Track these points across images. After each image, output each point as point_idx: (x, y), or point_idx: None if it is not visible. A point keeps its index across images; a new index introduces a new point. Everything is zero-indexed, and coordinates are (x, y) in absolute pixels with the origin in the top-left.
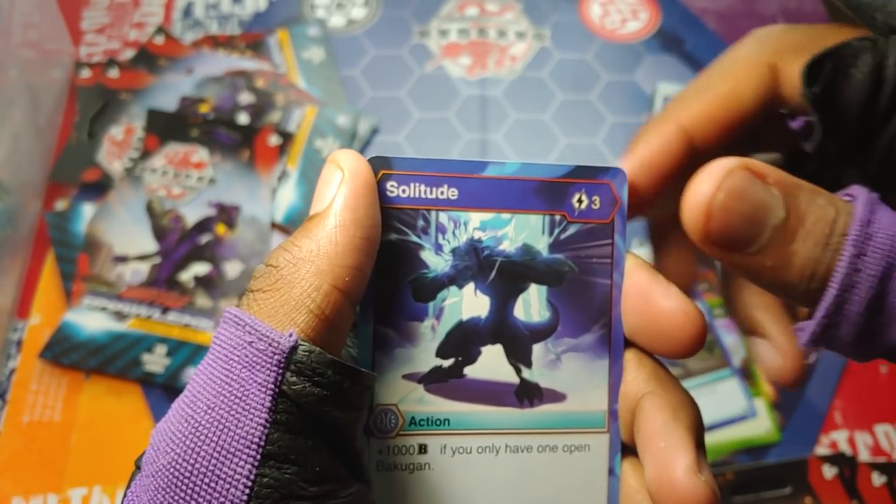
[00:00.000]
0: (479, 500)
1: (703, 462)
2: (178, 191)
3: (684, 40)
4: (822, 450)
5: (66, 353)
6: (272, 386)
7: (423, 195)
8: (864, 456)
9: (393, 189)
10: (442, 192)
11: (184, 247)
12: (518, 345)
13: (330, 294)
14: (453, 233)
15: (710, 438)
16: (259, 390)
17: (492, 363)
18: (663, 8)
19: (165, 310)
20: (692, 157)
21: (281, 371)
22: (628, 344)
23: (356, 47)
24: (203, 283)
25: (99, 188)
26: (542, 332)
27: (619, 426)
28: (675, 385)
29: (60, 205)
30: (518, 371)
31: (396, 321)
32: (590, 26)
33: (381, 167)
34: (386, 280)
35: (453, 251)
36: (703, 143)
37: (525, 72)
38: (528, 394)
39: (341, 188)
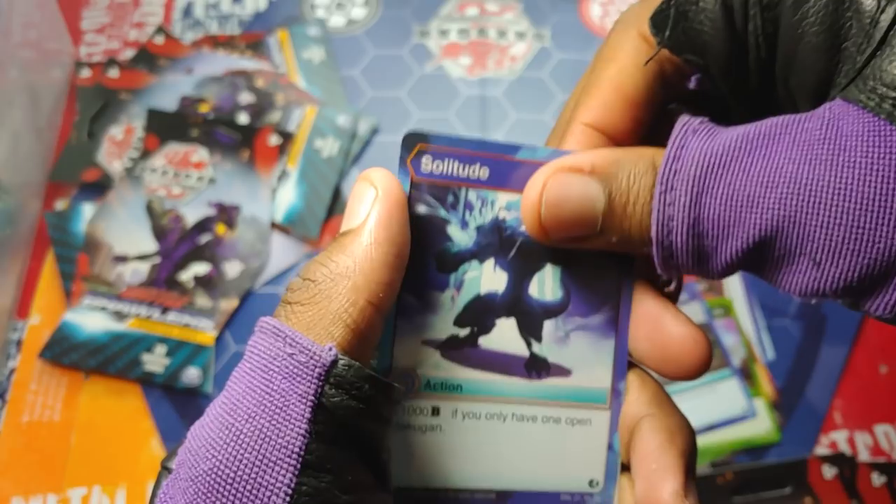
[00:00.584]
0: (484, 463)
1: (690, 488)
2: (178, 191)
3: None
4: (822, 450)
5: (65, 352)
6: (312, 398)
7: (455, 173)
8: (864, 456)
9: (427, 164)
10: (474, 171)
11: (184, 247)
12: (530, 320)
13: (365, 309)
14: (480, 210)
15: (710, 438)
16: (299, 401)
17: (505, 335)
18: None
19: (165, 310)
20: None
21: (321, 383)
22: (632, 366)
23: (356, 47)
24: (203, 282)
25: (99, 188)
26: (553, 310)
27: (620, 404)
28: (674, 410)
29: (60, 205)
30: (529, 345)
31: (419, 289)
32: (590, 26)
33: (419, 141)
34: (412, 250)
35: (478, 228)
36: (616, 131)
37: (525, 72)
38: (536, 367)
39: (375, 206)
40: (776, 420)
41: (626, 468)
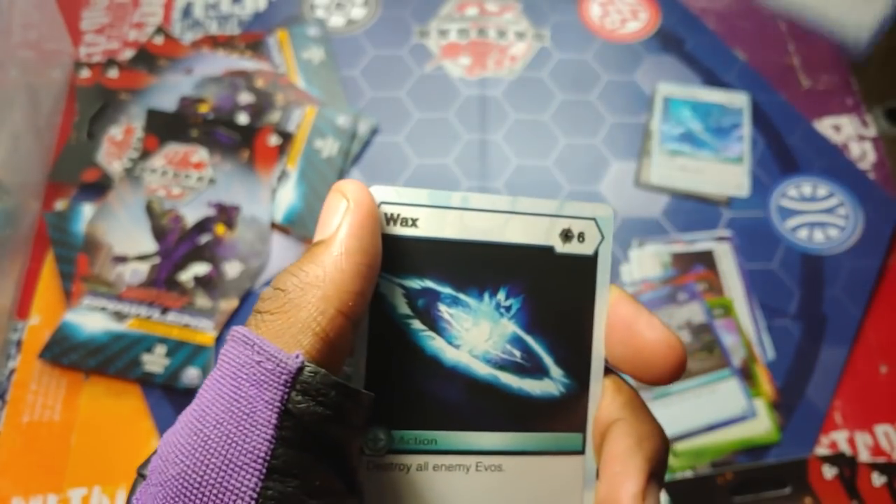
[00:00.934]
0: None
1: (651, 491)
2: (178, 191)
3: (684, 40)
4: (822, 450)
5: (65, 353)
6: (278, 404)
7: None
8: (864, 456)
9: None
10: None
11: (183, 247)
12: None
13: (335, 318)
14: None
15: (711, 438)
16: (266, 407)
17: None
18: (663, 8)
19: (165, 310)
20: None
21: (287, 390)
22: (608, 372)
23: (356, 47)
24: (202, 283)
25: (98, 188)
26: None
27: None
28: (647, 416)
29: (60, 205)
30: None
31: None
32: (590, 26)
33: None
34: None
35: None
36: None
37: (525, 72)
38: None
39: (346, 217)
40: (776, 420)
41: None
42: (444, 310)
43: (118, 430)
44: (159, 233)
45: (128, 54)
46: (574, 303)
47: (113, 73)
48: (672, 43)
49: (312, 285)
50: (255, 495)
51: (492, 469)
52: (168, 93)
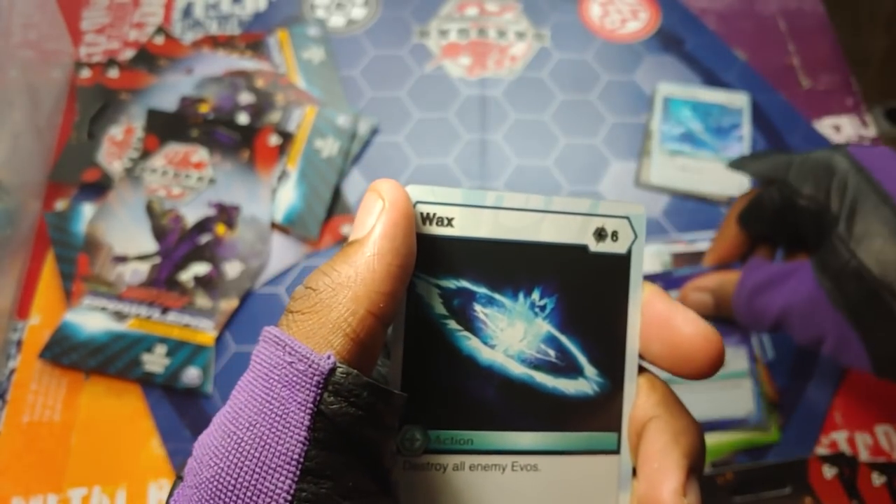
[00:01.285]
0: None
1: (691, 487)
2: (178, 191)
3: (684, 40)
4: (822, 450)
5: (65, 353)
6: (311, 405)
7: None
8: (864, 456)
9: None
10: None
11: (184, 247)
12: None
13: (365, 319)
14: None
15: (711, 438)
16: (299, 409)
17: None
18: (663, 8)
19: (165, 310)
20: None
21: (319, 391)
22: (642, 370)
23: (356, 47)
24: (203, 283)
25: (99, 188)
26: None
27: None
28: (682, 411)
29: (60, 205)
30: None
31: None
32: (590, 26)
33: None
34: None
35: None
36: (729, 260)
37: (525, 72)
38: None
39: (381, 217)
40: (776, 420)
41: (636, 472)
42: (479, 310)
43: (118, 430)
44: (159, 233)
45: (128, 54)
46: (607, 302)
47: (113, 73)
48: (672, 43)
49: (344, 286)
50: (289, 497)
51: (527, 469)
52: (168, 93)
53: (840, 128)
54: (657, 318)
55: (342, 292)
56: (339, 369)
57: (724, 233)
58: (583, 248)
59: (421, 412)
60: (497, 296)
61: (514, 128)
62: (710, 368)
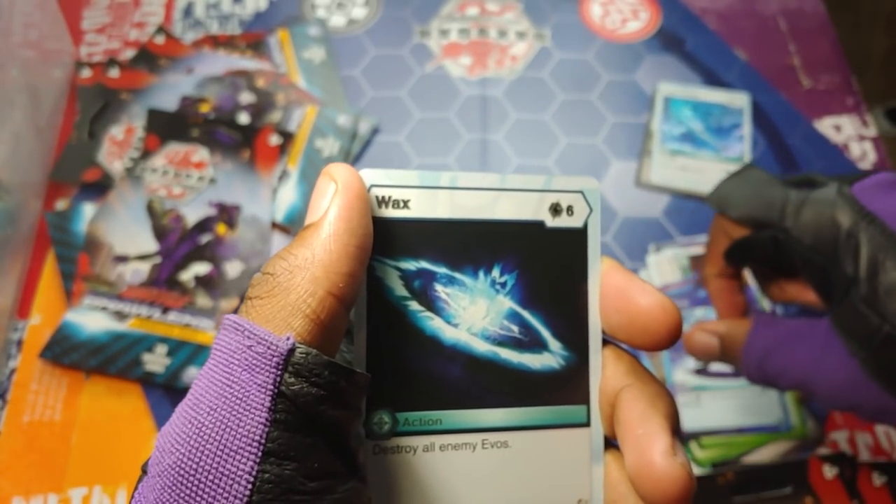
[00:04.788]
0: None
1: (678, 446)
2: (179, 190)
3: (684, 40)
4: (822, 450)
5: (66, 352)
6: (271, 387)
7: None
8: (865, 456)
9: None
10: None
11: (184, 247)
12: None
13: (325, 300)
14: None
15: (741, 437)
16: (259, 391)
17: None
18: (663, 8)
19: (166, 310)
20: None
21: (279, 372)
22: (606, 342)
23: (357, 47)
24: (203, 282)
25: (99, 188)
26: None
27: (599, 420)
28: (651, 378)
29: (61, 204)
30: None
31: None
32: (590, 26)
33: None
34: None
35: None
36: (726, 274)
37: (525, 72)
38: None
39: (335, 199)
40: (802, 416)
41: (608, 444)
42: (440, 289)
43: (119, 430)
44: (160, 232)
45: (129, 54)
46: (567, 276)
47: (114, 73)
48: (673, 43)
49: (301, 268)
50: (251, 479)
51: (498, 446)
52: (169, 92)
53: (840, 128)
54: (615, 290)
55: (300, 274)
56: (299, 349)
57: (716, 246)
58: (539, 224)
59: (388, 395)
60: (457, 275)
61: (515, 128)
62: (667, 338)
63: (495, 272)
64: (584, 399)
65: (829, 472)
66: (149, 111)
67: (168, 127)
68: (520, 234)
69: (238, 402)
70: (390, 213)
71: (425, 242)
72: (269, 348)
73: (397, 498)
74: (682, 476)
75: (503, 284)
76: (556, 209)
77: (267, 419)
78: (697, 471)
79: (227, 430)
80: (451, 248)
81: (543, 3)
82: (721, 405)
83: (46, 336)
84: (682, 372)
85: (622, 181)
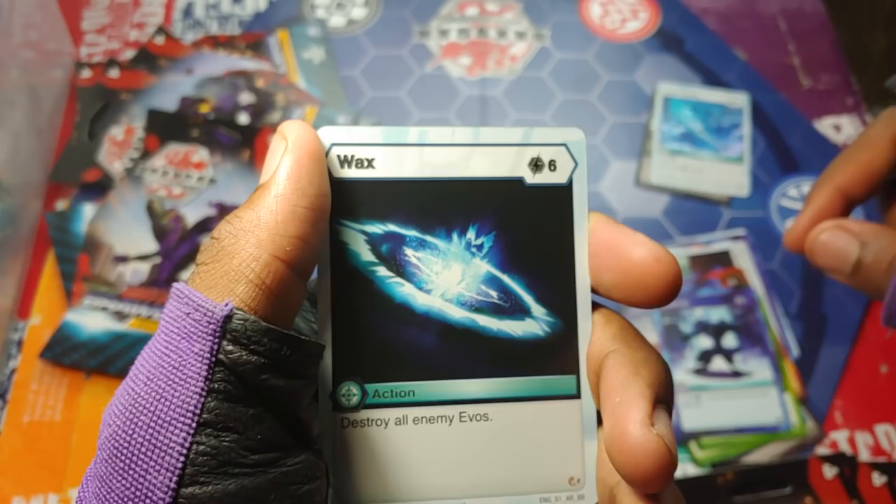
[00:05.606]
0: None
1: (660, 416)
2: (179, 191)
3: (684, 40)
4: (822, 450)
5: (66, 353)
6: (208, 355)
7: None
8: (865, 456)
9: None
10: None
11: (184, 247)
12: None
13: (270, 264)
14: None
15: (741, 437)
16: (196, 360)
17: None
18: (663, 8)
19: None
20: (848, 204)
21: (217, 340)
22: (597, 306)
23: (356, 47)
24: None
25: (99, 188)
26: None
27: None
28: (642, 343)
29: (61, 205)
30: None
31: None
32: (590, 26)
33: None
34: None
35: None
36: (853, 196)
37: (525, 72)
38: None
39: (284, 158)
40: (802, 416)
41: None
42: (410, 254)
43: None
44: (160, 233)
45: (129, 54)
46: (551, 236)
47: (114, 73)
48: (672, 43)
49: (246, 230)
50: (183, 451)
51: (477, 419)
52: (169, 93)
53: (840, 127)
54: (605, 246)
55: (244, 237)
56: (237, 316)
57: (862, 150)
58: (518, 181)
59: (356, 365)
60: (429, 238)
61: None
62: (665, 292)
63: (470, 234)
64: (572, 368)
65: (829, 471)
66: (149, 111)
67: (168, 127)
68: (497, 193)
69: (174, 371)
70: (353, 173)
71: (393, 204)
72: (205, 315)
73: (369, 474)
74: (657, 449)
75: (479, 247)
76: (536, 164)
77: (203, 388)
78: (697, 471)
79: (162, 400)
80: (421, 209)
81: (543, 3)
82: (721, 405)
83: (46, 336)
84: (682, 372)
85: (622, 181)
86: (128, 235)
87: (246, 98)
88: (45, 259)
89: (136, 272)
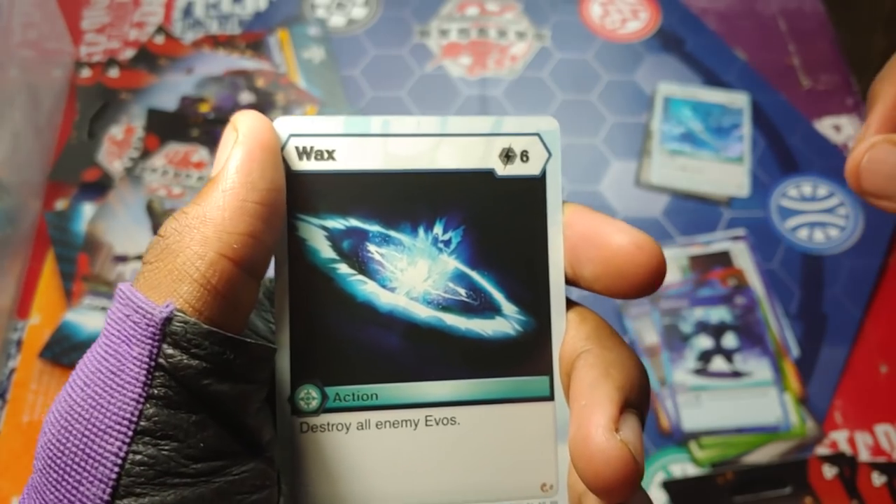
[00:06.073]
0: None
1: (627, 422)
2: (179, 190)
3: (684, 40)
4: (822, 450)
5: (66, 352)
6: (147, 359)
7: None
8: (865, 456)
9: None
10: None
11: None
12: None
13: (216, 262)
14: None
15: (741, 437)
16: (134, 364)
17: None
18: (663, 8)
19: None
20: None
21: (156, 343)
22: (572, 304)
23: (356, 47)
24: None
25: (99, 188)
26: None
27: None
28: (617, 343)
29: (60, 204)
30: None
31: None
32: (590, 26)
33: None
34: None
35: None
36: None
37: (525, 72)
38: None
39: (234, 150)
40: (802, 416)
41: None
42: (373, 250)
43: None
44: None
45: (128, 54)
46: (523, 230)
47: (113, 73)
48: (672, 43)
49: (192, 227)
50: (118, 460)
51: (444, 423)
52: (169, 92)
53: (840, 128)
54: (583, 237)
55: (189, 235)
56: (178, 318)
57: None
58: (489, 173)
59: (315, 367)
60: (393, 233)
61: None
62: (649, 279)
63: (437, 229)
64: (545, 369)
65: (829, 471)
66: (148, 111)
67: (168, 127)
68: (465, 186)
69: (112, 376)
70: (313, 165)
71: (354, 197)
72: (144, 317)
73: (329, 481)
74: (619, 456)
75: (447, 242)
76: (508, 155)
77: (141, 395)
78: (697, 471)
79: (97, 407)
80: (384, 203)
81: (543, 3)
82: (721, 405)
83: (46, 336)
84: (682, 372)
85: (622, 181)
86: (127, 235)
87: (246, 98)
88: (44, 259)
89: (136, 272)
